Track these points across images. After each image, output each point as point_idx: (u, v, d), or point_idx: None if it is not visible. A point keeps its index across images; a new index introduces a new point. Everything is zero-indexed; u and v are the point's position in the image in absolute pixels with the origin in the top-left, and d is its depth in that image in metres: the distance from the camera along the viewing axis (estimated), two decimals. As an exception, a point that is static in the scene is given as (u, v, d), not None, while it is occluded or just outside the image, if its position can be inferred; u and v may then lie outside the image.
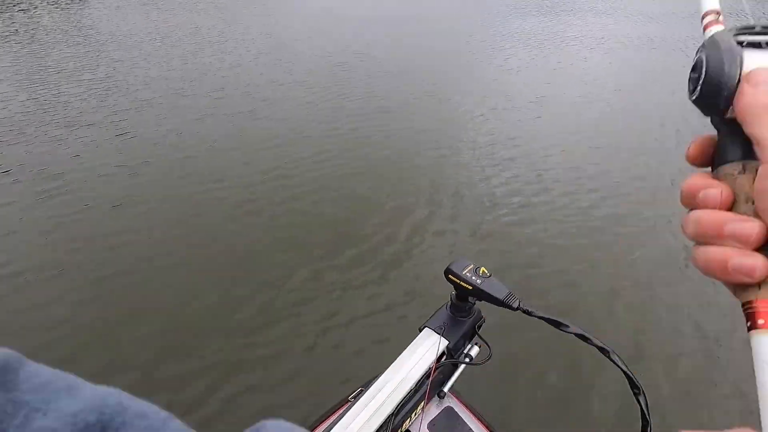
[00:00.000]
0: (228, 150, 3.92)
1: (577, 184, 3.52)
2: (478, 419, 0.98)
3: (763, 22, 0.27)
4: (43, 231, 2.80)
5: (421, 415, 0.92)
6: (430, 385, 0.88)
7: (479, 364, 0.95)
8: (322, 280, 2.46)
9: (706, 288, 2.44)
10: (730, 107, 0.26)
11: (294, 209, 3.09)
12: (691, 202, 0.27)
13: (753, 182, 0.24)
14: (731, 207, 0.26)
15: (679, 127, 4.64)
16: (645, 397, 0.71)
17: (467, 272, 0.87)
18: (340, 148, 3.99)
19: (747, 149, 0.26)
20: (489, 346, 0.97)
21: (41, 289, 2.36)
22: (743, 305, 0.25)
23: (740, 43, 0.26)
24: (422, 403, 0.88)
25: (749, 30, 0.26)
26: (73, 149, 3.83)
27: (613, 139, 4.34)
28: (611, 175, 3.68)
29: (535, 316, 0.80)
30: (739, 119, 0.24)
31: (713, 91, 0.27)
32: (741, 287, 0.24)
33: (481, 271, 0.87)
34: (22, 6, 10.32)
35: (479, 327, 0.99)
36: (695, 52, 0.29)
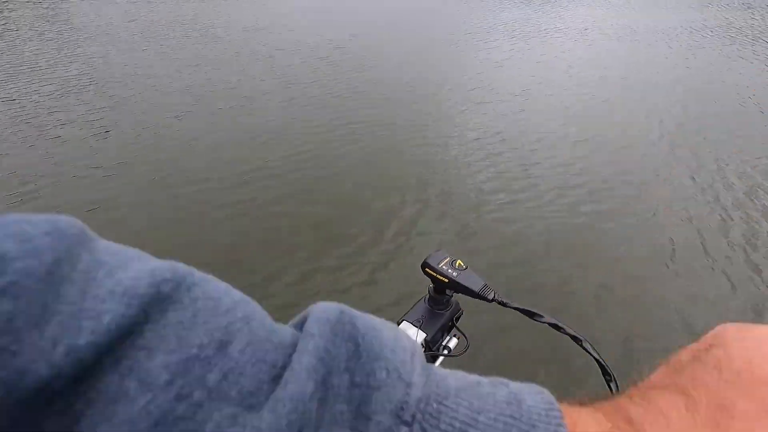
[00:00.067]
0: (209, 149, 3.81)
1: (563, 179, 3.51)
2: None
3: None
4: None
5: None
6: None
7: (457, 356, 0.96)
8: (308, 282, 2.41)
9: (692, 282, 2.45)
10: None
11: (279, 210, 3.01)
12: None
13: None
14: None
15: (662, 117, 4.67)
16: (617, 384, 0.72)
17: (443, 265, 0.87)
18: (324, 146, 3.91)
19: None
20: (467, 338, 0.98)
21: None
22: None
23: None
24: None
25: None
26: (46, 150, 3.68)
27: (598, 132, 4.35)
28: (597, 169, 3.68)
29: (510, 307, 0.82)
30: None
31: None
32: None
33: (457, 264, 0.87)
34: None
35: (458, 319, 1.00)
36: None
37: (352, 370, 0.16)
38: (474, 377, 0.19)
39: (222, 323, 0.16)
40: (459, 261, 0.88)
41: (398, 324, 0.95)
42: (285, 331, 0.18)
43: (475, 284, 0.85)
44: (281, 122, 4.37)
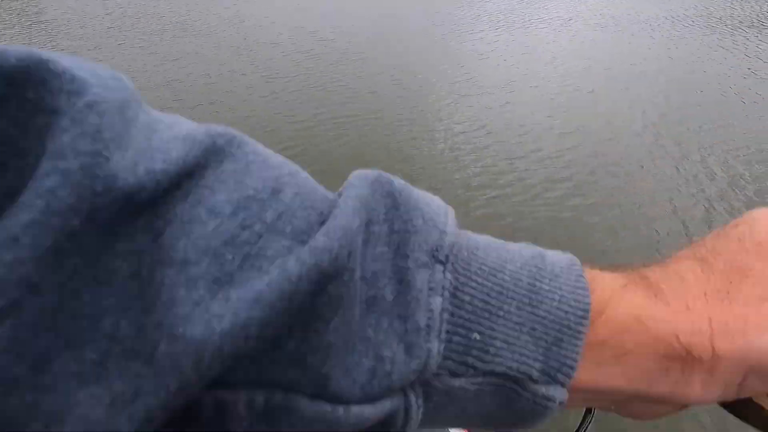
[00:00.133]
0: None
1: (550, 172, 3.51)
2: None
3: None
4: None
5: None
6: None
7: None
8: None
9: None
10: None
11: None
12: None
13: None
14: None
15: (645, 108, 4.70)
16: None
17: None
18: (309, 141, 3.83)
19: None
20: None
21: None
22: None
23: None
24: None
25: None
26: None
27: (583, 123, 4.35)
28: (583, 161, 3.68)
29: None
30: None
31: None
32: None
33: None
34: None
35: None
36: None
37: (390, 221, 0.17)
38: (500, 240, 0.21)
39: (273, 174, 0.17)
40: None
41: None
42: (327, 191, 0.19)
43: None
44: (264, 117, 4.27)
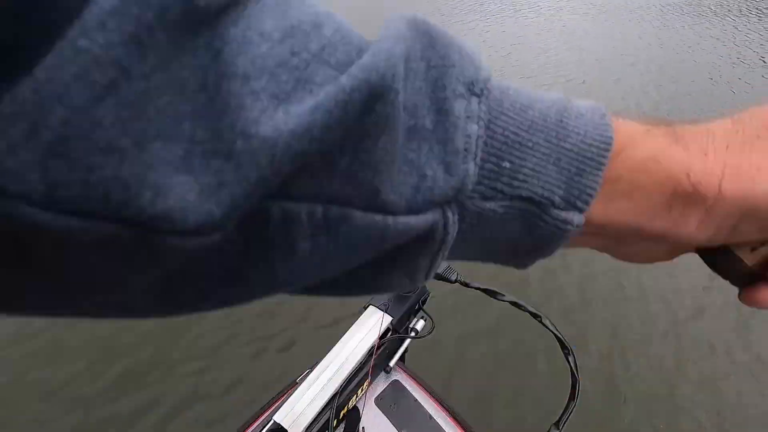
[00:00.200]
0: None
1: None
2: (424, 389, 1.01)
3: None
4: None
5: (367, 391, 0.95)
6: (374, 361, 0.90)
7: (422, 338, 0.99)
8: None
9: (671, 269, 2.47)
10: None
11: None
12: None
13: None
14: None
15: (639, 99, 4.70)
16: (574, 357, 0.77)
17: None
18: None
19: None
20: (432, 320, 1.01)
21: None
22: None
23: None
24: (367, 380, 0.91)
25: None
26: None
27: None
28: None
29: (472, 287, 0.85)
30: None
31: None
32: None
33: None
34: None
35: (424, 302, 1.02)
36: None
37: (427, 57, 0.17)
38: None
39: (312, 11, 0.16)
40: None
41: (365, 308, 0.98)
42: None
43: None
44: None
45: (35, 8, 0.11)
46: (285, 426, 0.78)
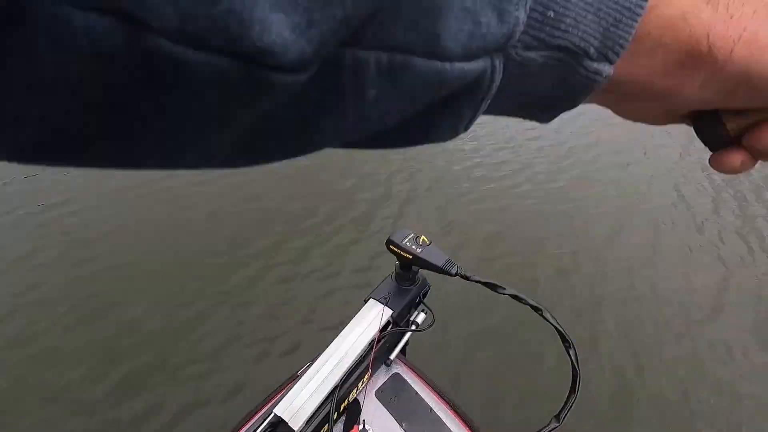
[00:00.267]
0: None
1: (552, 160, 3.44)
2: (425, 382, 1.00)
3: None
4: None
5: (368, 384, 0.95)
6: (374, 355, 0.90)
7: (422, 331, 0.98)
8: (292, 282, 2.27)
9: (686, 265, 2.41)
10: None
11: (257, 205, 2.85)
12: None
13: None
14: None
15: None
16: (575, 350, 0.76)
17: (407, 242, 0.88)
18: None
19: None
20: (433, 313, 1.00)
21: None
22: None
23: None
24: (368, 373, 0.91)
25: None
26: None
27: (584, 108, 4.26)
28: (585, 150, 3.61)
29: (473, 281, 0.84)
30: None
31: None
32: None
33: (421, 240, 0.89)
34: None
35: (425, 295, 1.02)
36: None
37: None
38: None
39: None
40: (423, 237, 0.89)
41: (365, 302, 0.97)
42: None
43: (438, 259, 0.85)
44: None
45: None
46: (285, 419, 0.78)
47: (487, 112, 0.21)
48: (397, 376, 1.01)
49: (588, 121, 4.06)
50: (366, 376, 0.92)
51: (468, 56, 0.17)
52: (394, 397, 0.98)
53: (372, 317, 0.94)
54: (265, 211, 2.79)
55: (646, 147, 3.65)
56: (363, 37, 0.15)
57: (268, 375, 1.83)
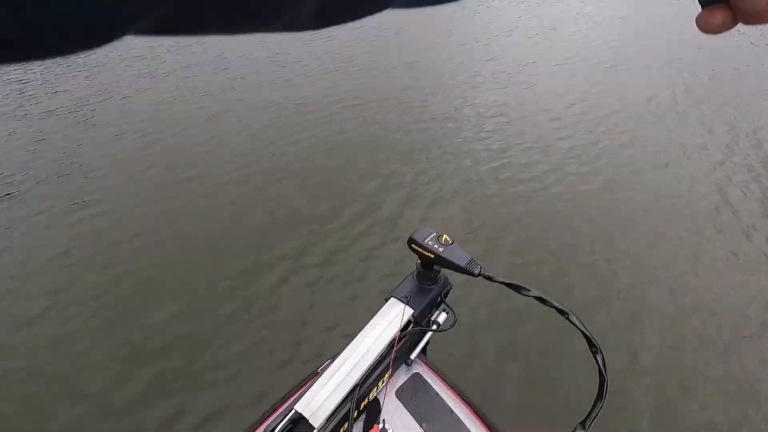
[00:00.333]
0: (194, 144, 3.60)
1: (584, 161, 3.29)
2: (445, 383, 0.98)
3: None
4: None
5: (388, 383, 0.94)
6: (395, 353, 0.88)
7: (444, 331, 0.95)
8: (330, 264, 2.24)
9: (722, 245, 2.25)
10: None
11: (278, 192, 2.83)
12: None
13: None
14: None
15: (682, 86, 4.39)
16: (602, 355, 0.73)
17: (429, 240, 0.86)
18: (321, 128, 3.69)
19: None
20: (455, 313, 0.97)
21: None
22: None
23: None
24: (388, 372, 0.89)
25: None
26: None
27: (618, 104, 4.09)
28: (620, 150, 3.45)
29: (497, 282, 0.81)
30: None
31: None
32: None
33: (443, 239, 0.86)
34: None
35: (446, 294, 0.99)
36: None
37: None
38: None
39: None
40: (445, 236, 0.87)
41: (386, 300, 0.95)
42: None
43: (461, 259, 0.83)
44: (278, 109, 4.13)
45: None
46: (306, 416, 0.77)
47: None
48: (417, 376, 1.00)
49: (621, 119, 3.88)
50: (386, 375, 0.90)
51: None
52: (414, 397, 0.96)
53: (393, 316, 0.92)
54: (291, 213, 2.77)
55: (685, 146, 3.46)
56: None
57: (292, 381, 1.80)
